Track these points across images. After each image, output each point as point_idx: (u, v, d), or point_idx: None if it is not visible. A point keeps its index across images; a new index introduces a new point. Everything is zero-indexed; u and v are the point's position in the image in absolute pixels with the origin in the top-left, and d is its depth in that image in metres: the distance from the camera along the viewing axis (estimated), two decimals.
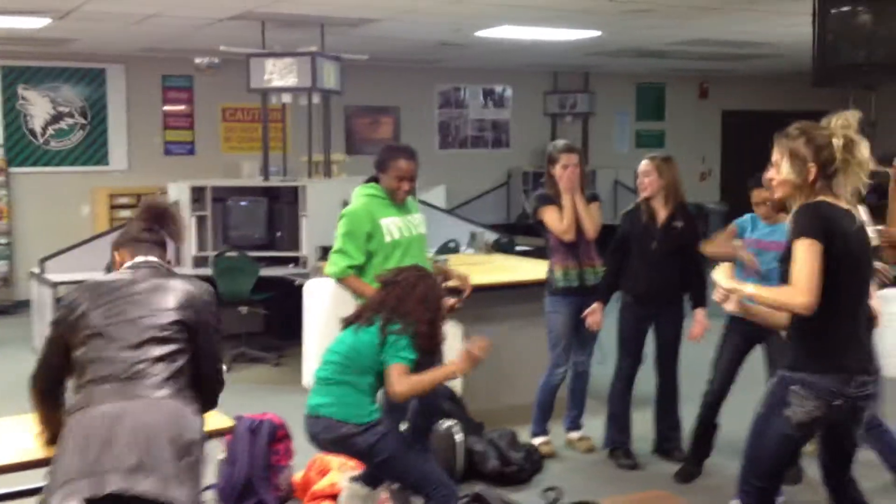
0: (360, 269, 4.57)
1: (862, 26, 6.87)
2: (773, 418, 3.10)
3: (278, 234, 8.32)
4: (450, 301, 4.53)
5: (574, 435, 5.45)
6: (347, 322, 3.89)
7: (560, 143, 5.44)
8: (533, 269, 6.57)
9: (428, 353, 3.80)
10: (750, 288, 3.18)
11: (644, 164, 5.14)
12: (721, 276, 3.21)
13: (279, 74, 8.40)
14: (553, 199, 5.25)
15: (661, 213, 5.07)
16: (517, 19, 8.88)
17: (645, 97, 14.86)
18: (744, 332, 4.67)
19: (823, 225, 3.03)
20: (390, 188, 4.65)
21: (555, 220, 5.19)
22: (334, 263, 4.60)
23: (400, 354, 3.67)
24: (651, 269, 5.04)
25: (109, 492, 2.61)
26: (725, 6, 8.25)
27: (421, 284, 3.84)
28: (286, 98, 8.66)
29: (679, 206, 5.09)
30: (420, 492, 3.82)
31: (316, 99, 8.63)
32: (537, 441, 5.29)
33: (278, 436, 4.53)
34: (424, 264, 4.42)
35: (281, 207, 8.38)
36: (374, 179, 4.72)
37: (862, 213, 3.16)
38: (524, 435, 5.25)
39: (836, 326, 3.08)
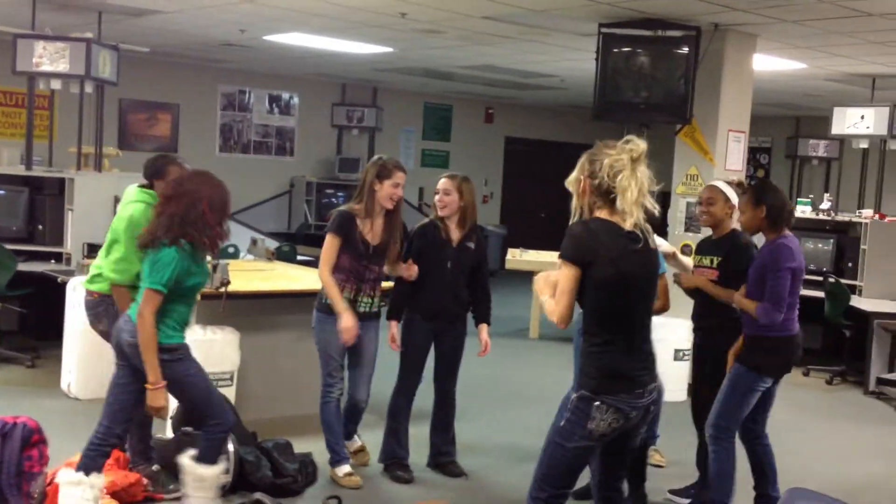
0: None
1: (640, 67, 7.28)
2: (576, 430, 3.23)
3: (40, 227, 7.80)
4: None
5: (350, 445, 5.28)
6: (143, 246, 3.94)
7: (390, 158, 5.07)
8: (315, 279, 6.43)
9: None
10: (545, 292, 3.33)
11: (445, 182, 5.04)
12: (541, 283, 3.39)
13: (49, 59, 7.89)
14: (349, 229, 4.85)
15: (455, 234, 5.04)
16: (308, 27, 8.77)
17: (432, 117, 15.11)
18: None
19: (583, 247, 3.19)
20: None
21: (326, 252, 4.82)
22: (124, 271, 4.46)
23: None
24: (444, 289, 5.01)
25: None
26: (519, 35, 8.52)
27: (205, 189, 3.95)
28: (56, 84, 8.15)
29: (472, 227, 5.09)
30: (201, 416, 4.07)
31: (89, 88, 8.19)
32: (340, 471, 4.99)
33: (32, 440, 4.19)
34: None
35: (44, 199, 7.89)
36: (149, 186, 4.64)
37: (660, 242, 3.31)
38: (299, 446, 5.10)
39: (625, 350, 3.26)
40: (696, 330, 4.96)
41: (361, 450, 5.33)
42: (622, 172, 3.19)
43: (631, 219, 3.21)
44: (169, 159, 4.72)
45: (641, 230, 3.26)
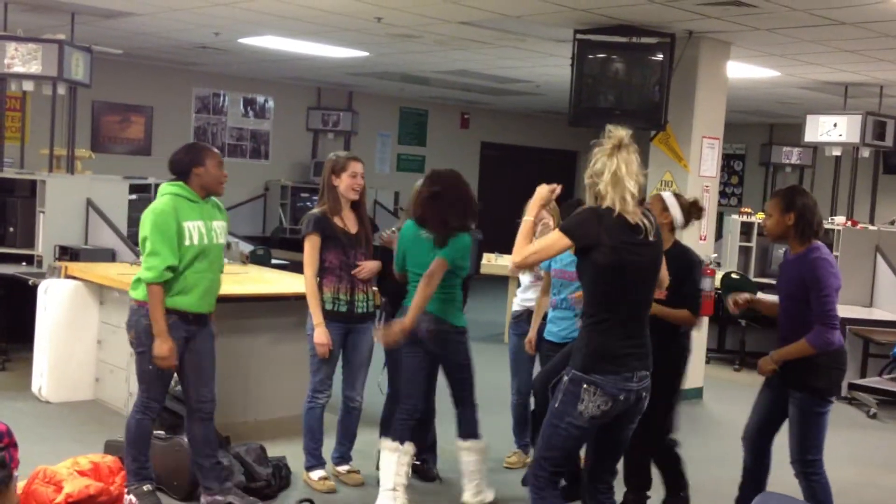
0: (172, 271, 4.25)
1: (615, 74, 7.31)
2: (567, 411, 3.43)
3: (11, 229, 7.74)
4: None
5: (342, 468, 5.15)
6: (444, 240, 4.50)
7: (342, 152, 5.12)
8: (289, 283, 6.43)
9: None
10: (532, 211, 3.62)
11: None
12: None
13: (22, 60, 7.84)
14: (325, 225, 4.85)
15: None
16: (283, 30, 8.74)
17: (408, 121, 15.11)
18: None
19: (585, 231, 3.39)
20: (215, 179, 4.40)
21: (309, 255, 4.83)
22: (152, 268, 4.21)
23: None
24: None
25: None
26: (495, 41, 8.53)
27: (461, 186, 4.66)
28: (28, 86, 8.09)
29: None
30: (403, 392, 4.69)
31: (62, 90, 8.13)
32: (315, 475, 4.94)
33: (2, 444, 4.09)
34: (218, 275, 4.51)
35: (15, 201, 7.82)
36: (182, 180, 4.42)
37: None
38: (273, 450, 5.07)
39: (619, 332, 3.44)
40: None
41: (354, 472, 5.16)
42: (597, 165, 3.43)
43: (606, 201, 3.37)
44: (200, 146, 4.51)
45: (644, 222, 3.42)
